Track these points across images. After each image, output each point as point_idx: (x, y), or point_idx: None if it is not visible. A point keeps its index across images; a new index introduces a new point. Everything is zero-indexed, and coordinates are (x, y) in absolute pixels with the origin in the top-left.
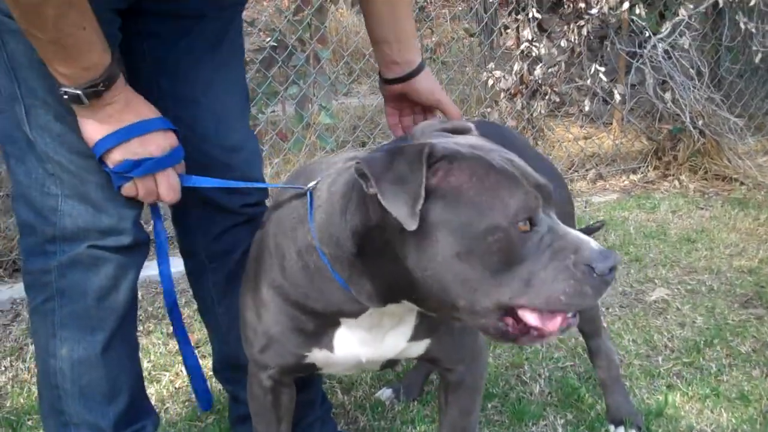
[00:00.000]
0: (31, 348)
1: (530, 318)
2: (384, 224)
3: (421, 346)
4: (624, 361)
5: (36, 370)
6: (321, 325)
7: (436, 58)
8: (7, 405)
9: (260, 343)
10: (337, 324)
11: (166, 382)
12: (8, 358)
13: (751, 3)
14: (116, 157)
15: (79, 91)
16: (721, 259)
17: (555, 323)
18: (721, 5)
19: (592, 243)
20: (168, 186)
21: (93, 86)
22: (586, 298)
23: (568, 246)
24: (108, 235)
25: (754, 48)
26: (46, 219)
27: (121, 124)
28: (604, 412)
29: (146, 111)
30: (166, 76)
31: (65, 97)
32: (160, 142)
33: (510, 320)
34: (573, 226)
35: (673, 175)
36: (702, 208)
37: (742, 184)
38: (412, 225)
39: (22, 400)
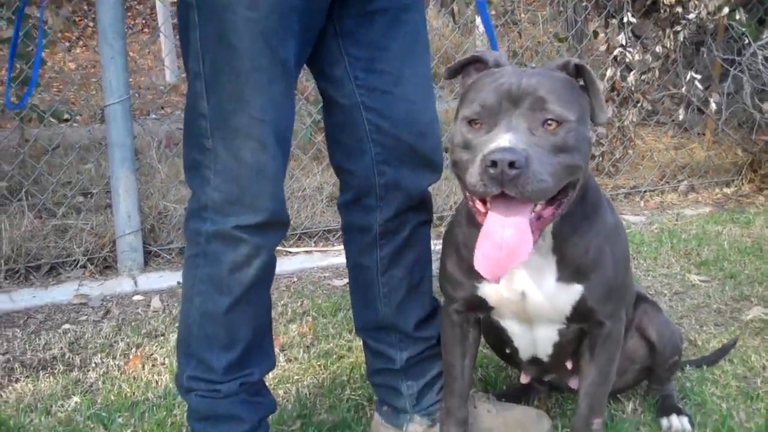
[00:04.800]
0: (121, 345)
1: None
2: None
3: (574, 292)
4: (721, 381)
5: (125, 368)
6: None
7: (524, 62)
8: (99, 401)
9: (449, 277)
10: None
11: None
12: (99, 355)
13: None
14: None
15: None
16: None
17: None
18: None
19: (503, 142)
20: None
21: None
22: (474, 181)
23: (489, 142)
24: (249, 212)
25: None
26: (202, 188)
27: None
28: None
29: None
30: (361, 70)
31: None
32: None
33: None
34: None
35: None
36: None
37: None
38: (445, 74)
39: (112, 397)
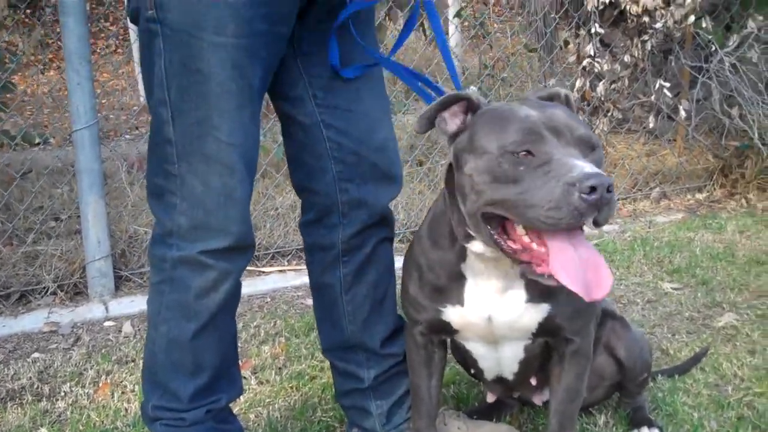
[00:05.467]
0: (91, 373)
1: (524, 239)
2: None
3: (541, 310)
4: (692, 390)
5: (95, 397)
6: (450, 276)
7: (495, 74)
8: (66, 431)
9: (410, 302)
10: (463, 277)
11: None
12: (68, 383)
13: None
14: None
15: None
16: None
17: (543, 268)
18: None
19: (585, 167)
20: None
21: None
22: (562, 213)
23: (562, 170)
24: (216, 236)
25: None
26: (167, 214)
27: None
28: None
29: None
30: (320, 89)
31: None
32: None
33: (501, 232)
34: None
35: (741, 194)
36: None
37: None
38: (417, 128)
39: (81, 427)
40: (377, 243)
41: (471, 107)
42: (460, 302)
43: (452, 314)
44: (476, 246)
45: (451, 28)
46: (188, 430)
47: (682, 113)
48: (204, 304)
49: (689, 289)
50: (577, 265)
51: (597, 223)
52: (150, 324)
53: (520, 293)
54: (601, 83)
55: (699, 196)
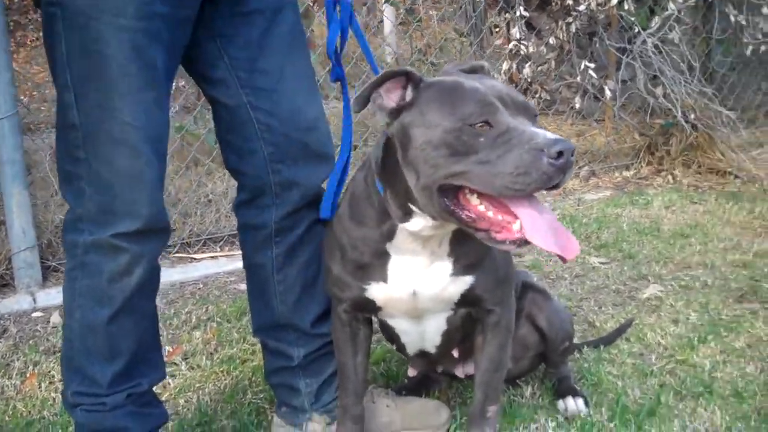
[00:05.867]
0: (18, 364)
1: (479, 208)
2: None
3: (465, 282)
4: (617, 360)
5: (22, 387)
6: (374, 254)
7: (425, 59)
8: None
9: (334, 279)
10: (387, 255)
11: None
12: None
13: None
14: None
15: None
16: (715, 253)
17: (504, 234)
18: None
19: (547, 134)
20: None
21: None
22: (531, 178)
23: (524, 138)
24: (126, 219)
25: (745, 40)
26: (77, 199)
27: None
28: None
29: None
30: (243, 70)
31: None
32: None
33: (456, 203)
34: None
35: (667, 170)
36: (696, 203)
37: (736, 177)
38: (354, 107)
39: (6, 418)
40: (310, 224)
41: (413, 81)
42: (384, 279)
43: (376, 291)
44: (414, 224)
45: (387, 13)
46: (109, 414)
47: (608, 93)
48: (118, 289)
49: (616, 263)
50: (548, 229)
51: (556, 186)
52: (65, 311)
53: (445, 267)
54: (527, 65)
55: (627, 173)
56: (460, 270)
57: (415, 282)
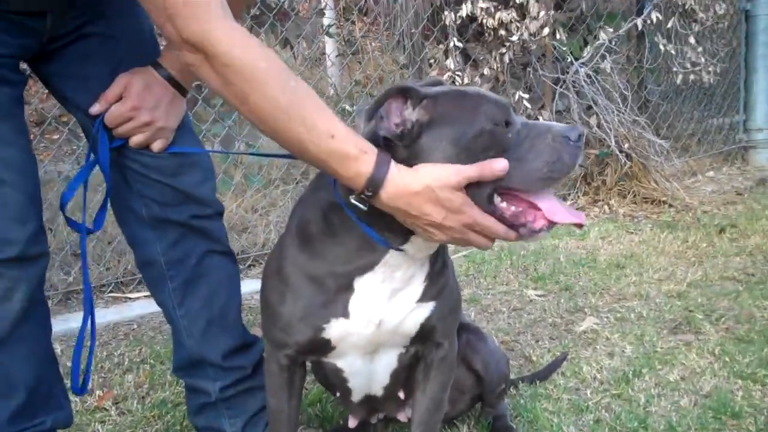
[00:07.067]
0: None
1: (511, 207)
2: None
3: (427, 309)
4: (553, 395)
5: None
6: (337, 290)
7: (362, 91)
8: None
9: (281, 321)
10: (351, 289)
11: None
12: None
13: (669, 25)
14: None
15: None
16: (650, 284)
17: (538, 222)
18: (640, 28)
19: (556, 124)
20: None
21: None
22: (565, 164)
23: (542, 130)
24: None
25: (675, 69)
26: None
27: None
28: None
29: None
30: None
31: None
32: None
33: (501, 202)
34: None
35: (603, 200)
36: (631, 233)
37: (670, 206)
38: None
39: None
40: (202, 256)
41: (416, 97)
42: (345, 315)
43: (335, 329)
44: (413, 245)
45: (328, 47)
46: None
47: None
48: (0, 316)
49: (553, 296)
50: (562, 207)
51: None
52: None
53: (414, 292)
54: None
55: None
56: (426, 296)
57: (381, 312)
